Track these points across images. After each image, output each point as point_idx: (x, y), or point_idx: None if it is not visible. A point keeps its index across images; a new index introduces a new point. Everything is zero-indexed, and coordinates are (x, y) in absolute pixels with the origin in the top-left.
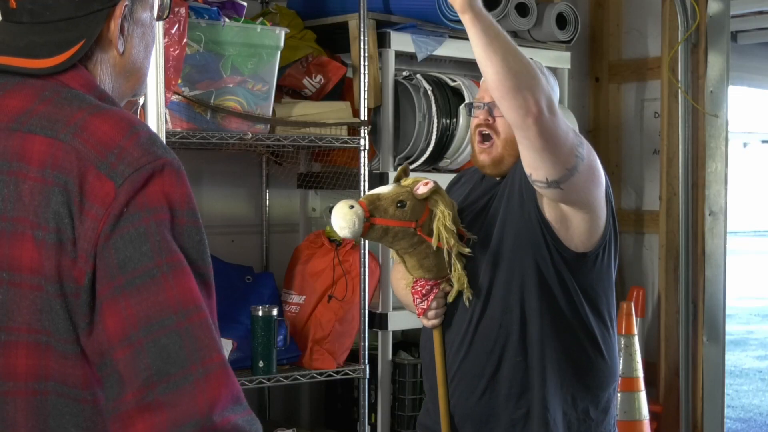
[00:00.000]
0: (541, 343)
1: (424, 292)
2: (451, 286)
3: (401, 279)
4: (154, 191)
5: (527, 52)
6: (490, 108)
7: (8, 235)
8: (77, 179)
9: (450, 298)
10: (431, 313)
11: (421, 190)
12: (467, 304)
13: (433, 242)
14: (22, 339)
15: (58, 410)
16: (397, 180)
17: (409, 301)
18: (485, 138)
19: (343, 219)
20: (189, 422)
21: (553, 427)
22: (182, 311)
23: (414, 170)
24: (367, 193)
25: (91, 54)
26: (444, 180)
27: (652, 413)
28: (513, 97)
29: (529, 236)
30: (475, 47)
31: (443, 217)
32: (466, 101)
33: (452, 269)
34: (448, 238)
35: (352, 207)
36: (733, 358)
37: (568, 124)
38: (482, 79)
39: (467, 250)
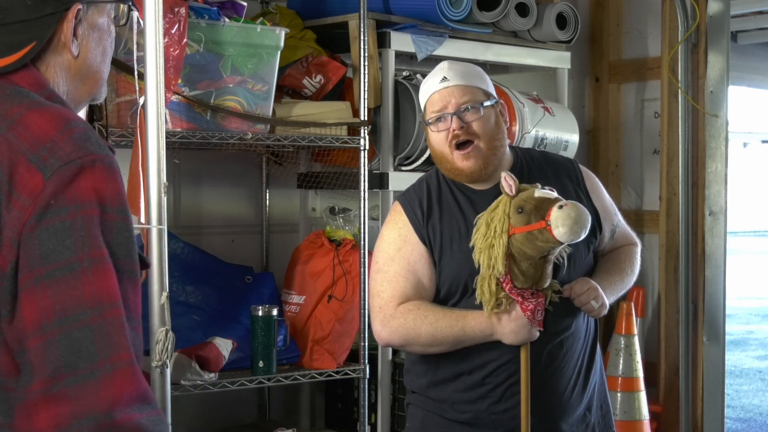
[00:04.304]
0: (594, 334)
1: (542, 301)
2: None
3: (442, 319)
4: (83, 186)
5: (527, 52)
6: (459, 115)
7: None
8: (7, 170)
9: (546, 305)
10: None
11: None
12: (551, 309)
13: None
14: None
15: None
16: (518, 189)
17: (470, 335)
18: (465, 144)
19: (589, 220)
20: (89, 416)
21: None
22: (98, 307)
23: (414, 170)
24: (548, 197)
25: (44, 56)
26: None
27: (652, 413)
28: None
29: (590, 238)
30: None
31: None
32: (425, 119)
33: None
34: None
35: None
36: (733, 358)
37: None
38: (431, 91)
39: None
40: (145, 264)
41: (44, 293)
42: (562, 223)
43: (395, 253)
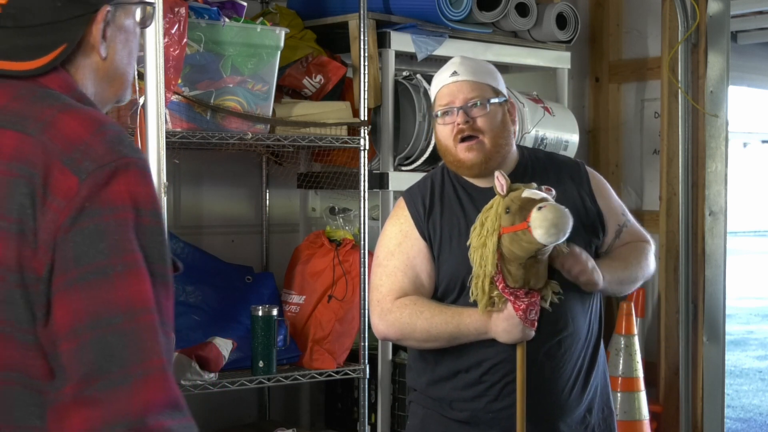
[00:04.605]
0: (597, 336)
1: (537, 302)
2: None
3: (437, 315)
4: (118, 189)
5: (527, 52)
6: (466, 110)
7: None
8: (42, 172)
9: (547, 305)
10: (536, 323)
11: (549, 196)
12: (549, 309)
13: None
14: None
15: (23, 401)
16: (510, 188)
17: (465, 332)
18: (469, 138)
19: (570, 221)
20: (121, 422)
21: (610, 418)
22: (130, 312)
23: (414, 170)
24: (532, 197)
25: (73, 58)
26: None
27: (652, 413)
28: (637, 286)
29: (590, 238)
30: (609, 292)
31: None
32: (433, 111)
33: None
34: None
35: (566, 209)
36: (733, 358)
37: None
38: (441, 84)
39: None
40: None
41: (77, 296)
42: (539, 224)
43: (395, 248)
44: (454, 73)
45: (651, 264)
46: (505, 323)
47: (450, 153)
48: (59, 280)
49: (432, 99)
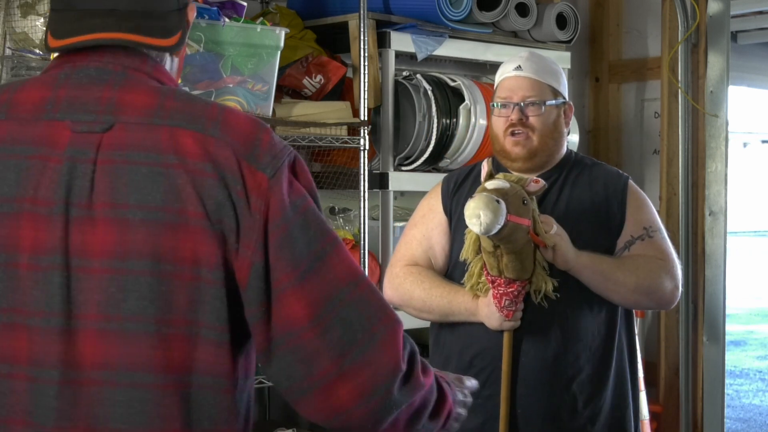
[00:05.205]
0: (620, 342)
1: (516, 293)
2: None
3: (435, 288)
4: (297, 180)
5: None
6: (521, 107)
7: (172, 227)
8: (235, 172)
9: (537, 300)
10: (519, 314)
11: (534, 188)
12: (545, 304)
13: (548, 241)
14: (178, 331)
15: (198, 403)
16: (490, 176)
17: (456, 310)
18: (519, 133)
19: (494, 214)
20: (389, 378)
21: (626, 426)
22: (352, 282)
23: (414, 170)
24: (486, 186)
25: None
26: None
27: (652, 413)
28: (646, 306)
29: (599, 237)
30: (594, 288)
31: (539, 216)
32: (493, 101)
33: (539, 269)
34: (551, 237)
35: (498, 202)
36: (733, 358)
37: (676, 260)
38: (504, 75)
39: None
40: None
41: (309, 287)
42: (465, 212)
43: (419, 220)
44: (518, 67)
45: (657, 279)
46: (486, 309)
47: (498, 142)
48: (288, 277)
49: (495, 87)
